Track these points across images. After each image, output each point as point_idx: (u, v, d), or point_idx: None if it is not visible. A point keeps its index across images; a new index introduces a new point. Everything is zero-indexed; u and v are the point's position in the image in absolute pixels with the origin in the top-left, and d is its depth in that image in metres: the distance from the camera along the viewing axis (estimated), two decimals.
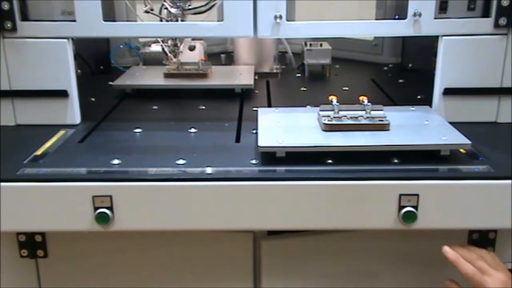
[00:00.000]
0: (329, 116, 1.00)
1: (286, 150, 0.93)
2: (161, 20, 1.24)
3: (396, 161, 0.92)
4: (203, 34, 1.10)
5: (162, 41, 1.41)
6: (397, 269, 1.04)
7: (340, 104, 1.02)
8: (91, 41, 1.57)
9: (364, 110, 1.01)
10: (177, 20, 1.22)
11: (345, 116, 1.00)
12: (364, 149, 0.93)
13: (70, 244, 1.02)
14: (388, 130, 0.98)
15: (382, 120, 0.99)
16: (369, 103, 1.01)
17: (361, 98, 1.03)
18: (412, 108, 1.12)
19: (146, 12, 1.24)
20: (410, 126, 1.02)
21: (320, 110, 1.03)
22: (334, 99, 1.02)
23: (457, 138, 0.95)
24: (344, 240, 1.02)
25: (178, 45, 1.39)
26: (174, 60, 1.40)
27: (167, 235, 1.01)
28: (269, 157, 0.94)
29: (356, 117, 1.00)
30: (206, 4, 1.22)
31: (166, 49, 1.39)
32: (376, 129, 0.98)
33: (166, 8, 1.22)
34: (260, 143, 0.94)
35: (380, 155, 0.93)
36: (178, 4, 1.21)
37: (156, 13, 1.24)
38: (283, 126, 1.02)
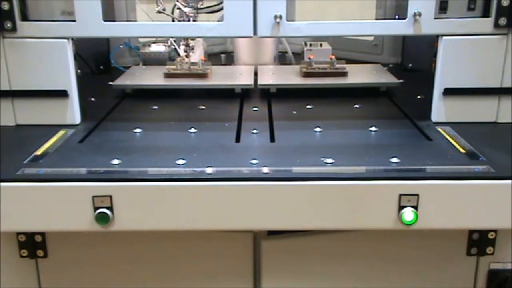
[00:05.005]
0: (307, 67, 1.39)
1: (276, 86, 1.36)
2: (173, 20, 1.24)
3: (395, 161, 0.93)
4: (203, 34, 1.10)
5: (174, 41, 1.41)
6: (397, 269, 1.04)
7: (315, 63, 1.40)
8: (91, 41, 1.57)
9: (332, 63, 1.39)
10: (189, 20, 1.21)
11: (318, 67, 1.39)
12: (327, 86, 1.34)
13: (70, 244, 1.02)
14: (347, 76, 1.38)
15: (343, 69, 1.38)
16: (335, 59, 1.39)
17: (330, 56, 1.40)
18: (368, 65, 1.56)
19: (159, 12, 1.24)
20: (364, 75, 1.44)
21: (301, 64, 1.42)
22: (311, 57, 1.40)
23: (391, 80, 1.38)
24: (344, 240, 1.02)
25: (190, 45, 1.39)
26: (186, 60, 1.40)
27: (167, 235, 1.01)
28: (265, 93, 1.35)
29: (325, 68, 1.39)
30: (220, 3, 1.21)
31: (178, 49, 1.39)
32: (339, 76, 1.38)
33: (179, 8, 1.22)
34: (260, 82, 1.35)
35: (340, 92, 1.34)
36: (191, 3, 1.21)
37: (168, 13, 1.24)
38: (275, 74, 1.46)
